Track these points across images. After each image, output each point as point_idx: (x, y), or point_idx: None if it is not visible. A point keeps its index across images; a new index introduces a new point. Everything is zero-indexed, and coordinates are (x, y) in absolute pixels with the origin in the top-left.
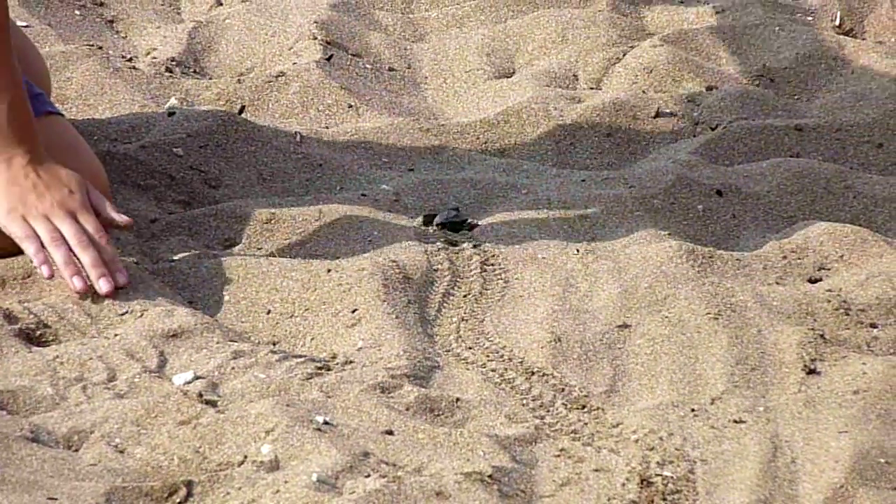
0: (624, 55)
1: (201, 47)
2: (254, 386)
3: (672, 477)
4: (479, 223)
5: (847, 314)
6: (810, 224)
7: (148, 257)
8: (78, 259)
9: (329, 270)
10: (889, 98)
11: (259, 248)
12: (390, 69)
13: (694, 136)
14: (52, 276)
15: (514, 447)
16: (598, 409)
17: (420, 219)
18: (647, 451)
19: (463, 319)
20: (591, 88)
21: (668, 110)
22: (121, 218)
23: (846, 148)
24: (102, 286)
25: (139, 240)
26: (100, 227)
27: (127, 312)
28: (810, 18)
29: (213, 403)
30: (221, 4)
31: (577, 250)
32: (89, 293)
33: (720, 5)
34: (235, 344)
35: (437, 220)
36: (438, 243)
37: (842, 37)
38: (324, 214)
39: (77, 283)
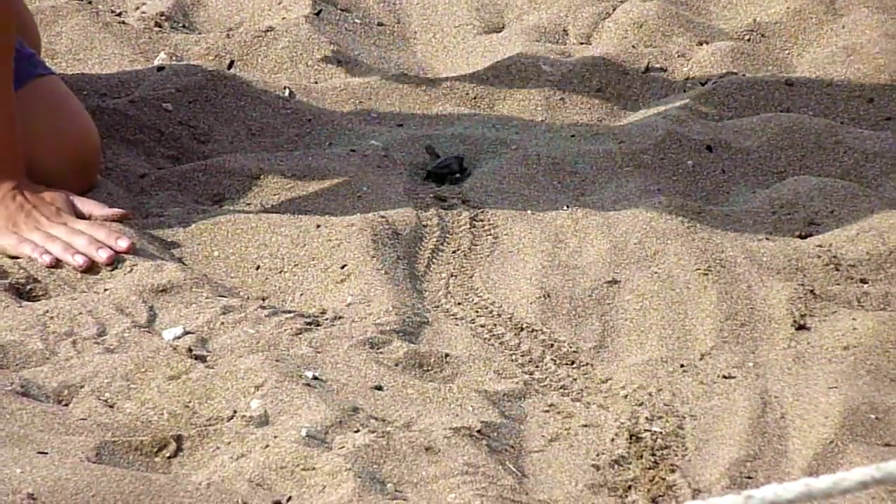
0: (614, 10)
1: (190, 2)
2: (243, 341)
3: (661, 432)
4: (471, 173)
5: (837, 269)
6: (800, 179)
7: (137, 212)
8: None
9: (318, 226)
10: (880, 53)
11: (248, 204)
12: (379, 24)
13: (684, 91)
14: (54, 264)
15: (503, 402)
16: (587, 364)
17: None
18: (637, 406)
19: (452, 275)
20: (581, 44)
21: (657, 65)
22: (112, 212)
23: (837, 103)
24: (102, 255)
25: (129, 194)
26: (92, 222)
27: (116, 268)
28: None
29: (202, 359)
30: None
31: (567, 206)
32: (95, 267)
33: None
34: (225, 299)
35: (435, 163)
36: (427, 199)
37: None
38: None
39: (78, 259)
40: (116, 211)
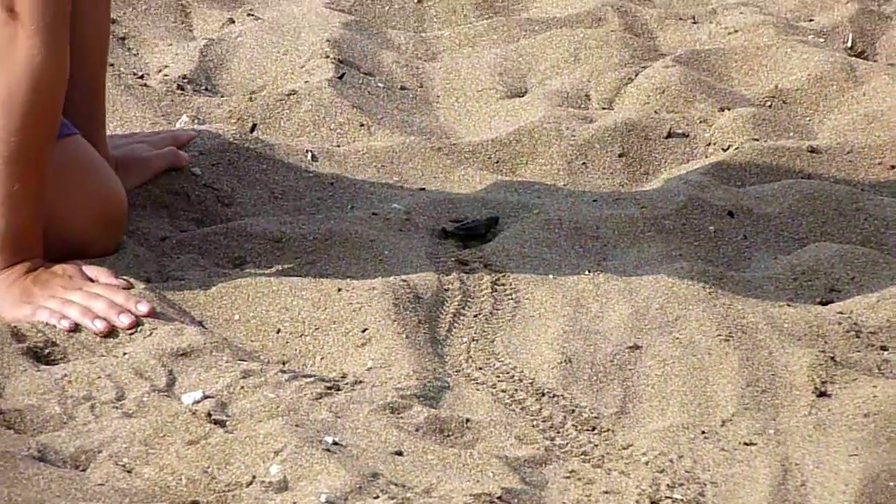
0: (636, 75)
1: (213, 65)
2: (263, 406)
3: (682, 500)
4: (493, 238)
5: (858, 336)
6: (821, 246)
7: (158, 275)
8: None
9: (339, 289)
10: None
11: (269, 267)
12: (402, 88)
13: (706, 157)
14: (73, 328)
15: (523, 469)
16: (608, 430)
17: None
18: (658, 473)
19: (473, 339)
20: (604, 108)
21: (679, 131)
22: (118, 282)
23: (858, 170)
24: (123, 321)
25: (153, 255)
26: (107, 285)
27: (136, 331)
28: (822, 40)
29: (221, 423)
30: (234, 22)
31: (589, 271)
32: (114, 331)
33: (732, 26)
34: (245, 363)
35: (459, 225)
36: (449, 263)
37: (853, 58)
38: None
39: (99, 325)
40: (121, 282)
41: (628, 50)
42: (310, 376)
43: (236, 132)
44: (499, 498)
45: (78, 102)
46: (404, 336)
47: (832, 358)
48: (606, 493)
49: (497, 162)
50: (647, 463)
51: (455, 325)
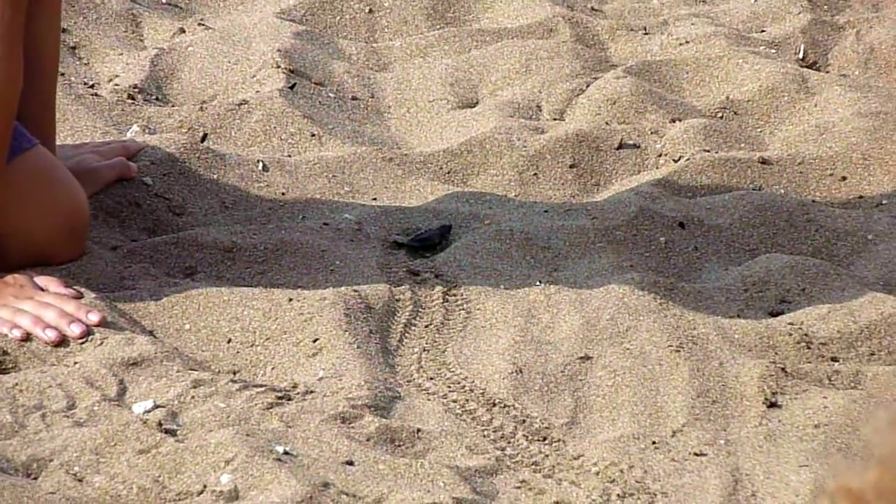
0: (587, 86)
1: (164, 74)
2: (214, 415)
3: None
4: (446, 247)
5: (808, 347)
6: (772, 257)
7: (109, 285)
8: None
9: (290, 300)
10: (852, 131)
11: (220, 277)
12: (353, 98)
13: (657, 168)
14: (24, 337)
15: (474, 478)
16: (559, 440)
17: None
18: (609, 483)
19: (424, 350)
20: (555, 119)
21: (631, 142)
22: (68, 291)
23: (809, 181)
24: (74, 330)
25: (103, 264)
26: (58, 294)
27: (86, 340)
28: (774, 51)
29: (172, 432)
30: (184, 32)
31: (540, 281)
32: (65, 341)
33: (684, 37)
34: (196, 373)
35: (412, 237)
36: (401, 273)
37: (805, 69)
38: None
39: (50, 335)
40: (71, 291)
41: (580, 61)
42: (261, 386)
43: (187, 142)
44: None
45: (29, 112)
46: (355, 346)
47: (783, 369)
48: (557, 503)
49: (448, 172)
50: (597, 473)
51: (406, 335)
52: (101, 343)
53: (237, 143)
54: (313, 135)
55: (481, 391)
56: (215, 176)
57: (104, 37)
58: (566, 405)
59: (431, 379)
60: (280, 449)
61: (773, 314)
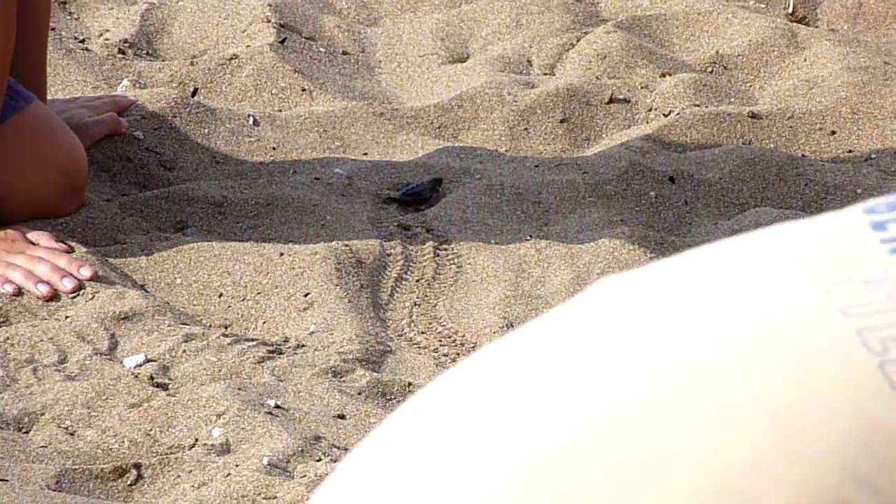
0: (578, 41)
1: (154, 29)
2: (205, 369)
3: None
4: (434, 204)
5: None
6: (762, 211)
7: (100, 239)
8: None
9: (281, 254)
10: (842, 86)
11: (211, 231)
12: (344, 53)
13: (647, 122)
14: (16, 293)
15: None
16: None
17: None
18: None
19: (415, 304)
20: (545, 74)
21: (621, 96)
22: (60, 246)
23: (798, 135)
24: (66, 285)
25: (95, 218)
26: (50, 249)
27: (78, 295)
28: (763, 6)
29: (164, 386)
30: None
31: (530, 236)
32: (57, 295)
33: None
34: (187, 327)
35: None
36: (391, 227)
37: (795, 24)
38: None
39: (42, 289)
40: (62, 245)
41: (570, 15)
42: (252, 340)
43: (178, 96)
44: None
45: (23, 69)
46: (346, 300)
47: None
48: None
49: (439, 127)
50: None
51: (397, 289)
52: (93, 297)
53: (227, 98)
54: (304, 89)
55: (472, 345)
56: (206, 131)
57: None
58: None
59: (422, 333)
60: (271, 402)
61: None
